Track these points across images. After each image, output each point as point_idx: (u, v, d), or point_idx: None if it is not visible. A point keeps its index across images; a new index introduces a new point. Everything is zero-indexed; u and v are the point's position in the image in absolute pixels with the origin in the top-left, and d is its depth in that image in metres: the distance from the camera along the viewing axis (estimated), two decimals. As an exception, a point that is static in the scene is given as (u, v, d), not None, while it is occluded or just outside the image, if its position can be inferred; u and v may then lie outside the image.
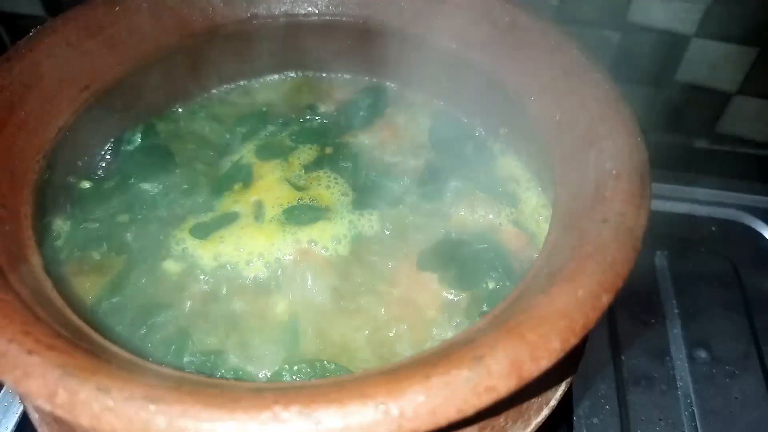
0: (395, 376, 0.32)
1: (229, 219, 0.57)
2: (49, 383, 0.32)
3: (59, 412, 0.31)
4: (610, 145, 0.45)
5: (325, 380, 0.33)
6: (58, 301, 0.40)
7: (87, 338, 0.37)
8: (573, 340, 0.34)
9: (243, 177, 0.61)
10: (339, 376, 0.34)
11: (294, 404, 0.30)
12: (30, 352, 0.33)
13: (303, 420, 0.30)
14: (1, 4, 1.08)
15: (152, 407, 0.30)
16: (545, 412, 0.47)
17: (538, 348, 0.33)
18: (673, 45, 0.94)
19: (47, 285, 0.42)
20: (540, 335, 0.33)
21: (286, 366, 0.49)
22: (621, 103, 0.47)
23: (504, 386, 0.32)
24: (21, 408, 0.69)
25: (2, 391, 0.71)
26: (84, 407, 0.31)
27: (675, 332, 0.77)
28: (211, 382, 0.33)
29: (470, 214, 0.58)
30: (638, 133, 0.45)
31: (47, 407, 0.31)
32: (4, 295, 0.36)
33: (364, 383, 0.31)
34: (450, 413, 0.31)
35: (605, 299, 0.36)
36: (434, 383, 0.31)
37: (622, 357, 0.75)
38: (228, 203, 0.59)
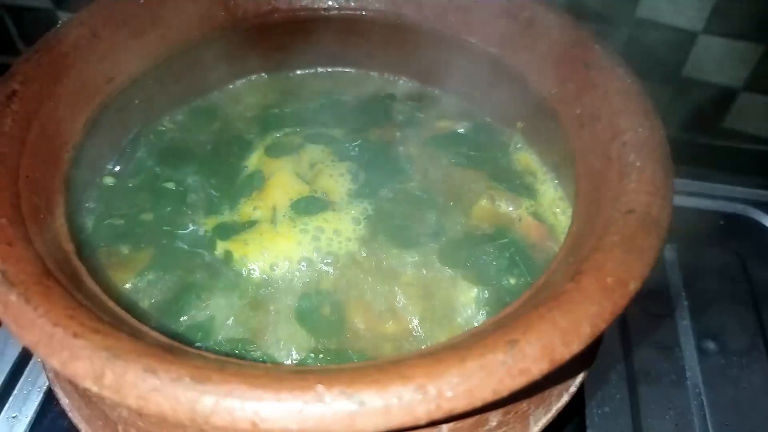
0: (432, 359, 0.33)
1: (249, 224, 0.58)
2: (96, 365, 0.33)
3: (106, 393, 0.32)
4: (633, 137, 0.46)
5: (365, 363, 0.34)
6: (95, 288, 0.41)
7: (127, 323, 0.38)
8: (602, 326, 0.35)
9: (257, 183, 0.61)
10: (377, 360, 0.35)
11: (337, 385, 0.31)
12: (75, 336, 0.34)
13: (345, 400, 0.31)
14: (9, -4, 1.08)
15: (199, 387, 0.31)
16: (565, 399, 0.49)
17: (570, 333, 0.34)
18: (680, 41, 0.95)
19: (82, 272, 0.43)
20: (571, 320, 0.35)
21: (312, 354, 0.50)
22: (643, 97, 0.48)
23: (537, 369, 0.33)
24: (41, 397, 0.70)
25: (21, 380, 0.72)
26: (131, 388, 0.32)
27: (684, 324, 0.79)
28: (253, 365, 0.34)
29: (490, 207, 0.59)
30: (660, 127, 0.46)
31: (94, 388, 0.32)
32: (47, 281, 0.37)
33: (403, 365, 0.33)
34: (486, 394, 0.32)
35: (633, 286, 0.37)
36: (470, 366, 0.32)
37: (633, 349, 0.76)
38: (247, 210, 0.59)
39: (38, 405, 0.69)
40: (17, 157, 0.47)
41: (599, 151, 0.47)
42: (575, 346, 0.34)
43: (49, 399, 0.69)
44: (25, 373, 0.72)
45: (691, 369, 0.75)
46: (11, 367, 0.72)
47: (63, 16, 1.09)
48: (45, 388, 0.70)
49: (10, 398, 0.70)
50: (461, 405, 0.32)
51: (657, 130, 0.45)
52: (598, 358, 0.56)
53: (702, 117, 1.04)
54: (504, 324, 0.35)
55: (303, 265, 0.55)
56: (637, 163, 0.43)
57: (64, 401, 0.49)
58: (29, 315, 0.35)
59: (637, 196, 0.41)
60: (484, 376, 0.32)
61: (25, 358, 0.72)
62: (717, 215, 0.89)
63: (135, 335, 0.35)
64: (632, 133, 0.45)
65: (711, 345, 0.77)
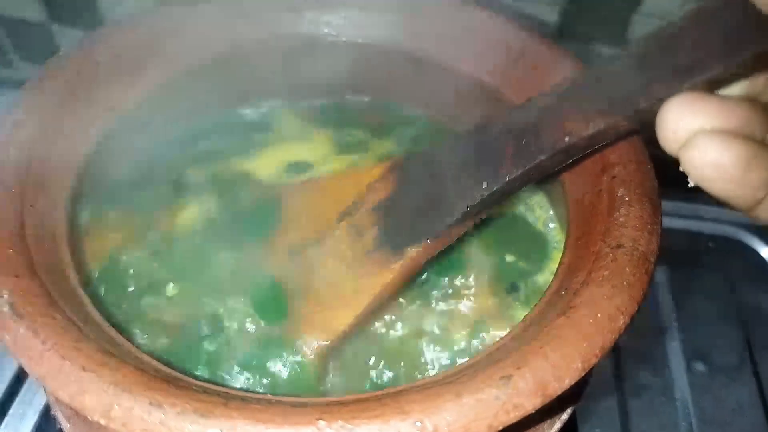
0: (430, 393, 0.34)
1: None
2: (103, 399, 0.34)
3: (113, 426, 0.33)
4: (621, 171, 0.47)
5: (363, 395, 0.35)
6: (98, 318, 0.42)
7: (131, 354, 0.39)
8: (593, 360, 0.36)
9: None
10: (376, 392, 0.36)
11: (337, 420, 0.32)
12: (84, 369, 0.35)
13: (346, 435, 0.32)
14: (4, 9, 1.08)
15: (203, 421, 0.32)
16: (557, 426, 0.50)
17: (562, 368, 0.35)
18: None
19: (86, 301, 0.44)
20: (563, 356, 0.36)
21: None
22: (631, 131, 0.49)
23: (530, 404, 0.34)
24: (37, 417, 0.70)
25: (17, 400, 0.72)
26: (138, 421, 0.33)
27: (674, 345, 0.80)
28: (255, 398, 0.35)
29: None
30: (648, 161, 0.48)
31: (102, 421, 0.33)
32: (54, 313, 0.38)
33: (401, 400, 0.34)
34: (481, 429, 0.33)
35: (622, 321, 0.38)
36: (466, 401, 0.34)
37: (623, 369, 0.77)
38: None
39: (35, 425, 0.70)
40: (21, 186, 0.48)
41: (589, 182, 0.48)
42: (567, 381, 0.35)
43: (46, 419, 0.70)
44: (21, 392, 0.72)
45: (680, 388, 0.76)
46: (7, 387, 0.72)
47: (57, 30, 1.10)
48: (41, 408, 0.71)
49: (6, 417, 0.70)
50: (457, 440, 0.33)
51: (645, 165, 0.47)
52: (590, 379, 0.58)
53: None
54: (498, 358, 0.36)
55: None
56: (626, 198, 0.44)
57: (65, 425, 0.50)
58: (38, 348, 0.36)
59: (625, 230, 0.42)
60: (480, 411, 0.33)
61: (21, 377, 0.73)
62: (707, 237, 0.91)
63: (140, 367, 0.36)
64: (621, 167, 0.47)
65: (700, 365, 0.79)
